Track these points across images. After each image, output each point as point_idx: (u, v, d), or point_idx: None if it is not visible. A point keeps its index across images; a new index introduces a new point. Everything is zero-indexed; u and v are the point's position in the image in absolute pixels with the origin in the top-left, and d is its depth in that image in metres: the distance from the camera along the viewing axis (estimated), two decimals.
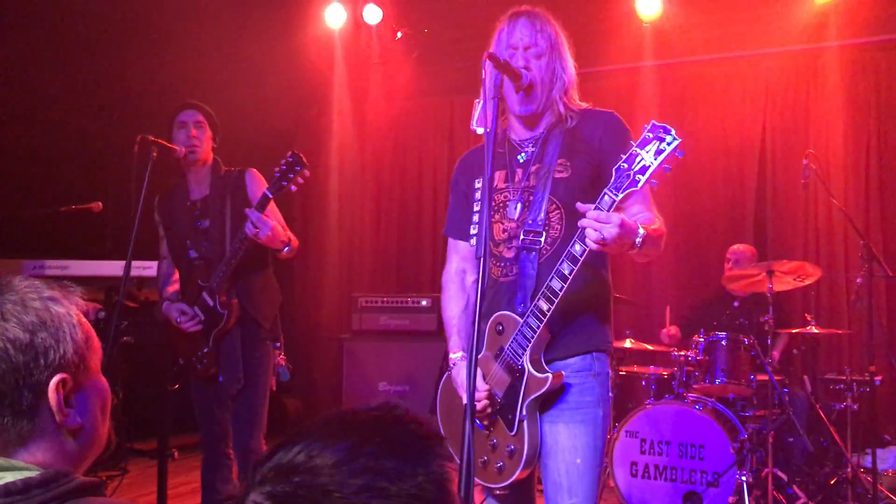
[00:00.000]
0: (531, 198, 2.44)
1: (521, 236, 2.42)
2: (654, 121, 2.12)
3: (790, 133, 6.48)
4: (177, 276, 3.90)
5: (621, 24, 6.44)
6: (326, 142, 7.87)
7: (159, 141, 3.54)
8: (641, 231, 2.16)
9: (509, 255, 2.47)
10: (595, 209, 2.12)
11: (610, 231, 2.08)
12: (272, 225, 3.46)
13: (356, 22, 7.17)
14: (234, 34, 6.66)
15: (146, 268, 4.65)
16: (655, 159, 2.08)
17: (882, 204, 6.20)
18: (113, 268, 4.89)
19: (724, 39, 6.48)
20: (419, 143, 7.78)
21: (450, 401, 2.58)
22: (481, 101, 2.47)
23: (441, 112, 7.65)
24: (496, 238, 2.50)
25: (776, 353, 5.22)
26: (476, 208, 2.58)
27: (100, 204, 4.67)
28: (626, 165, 2.12)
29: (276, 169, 3.45)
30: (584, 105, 2.53)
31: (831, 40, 6.26)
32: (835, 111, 6.35)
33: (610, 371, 2.51)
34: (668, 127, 2.08)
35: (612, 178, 2.14)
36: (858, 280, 5.00)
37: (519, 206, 2.45)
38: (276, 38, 6.84)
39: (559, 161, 2.43)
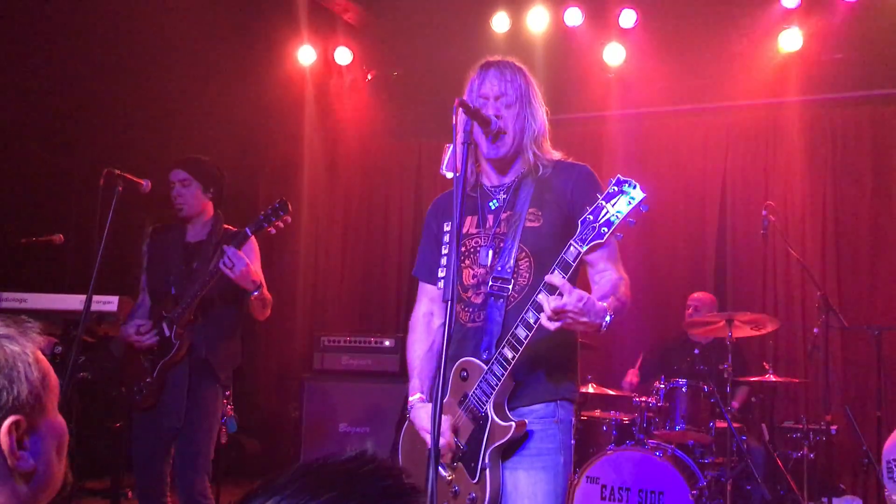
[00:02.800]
0: (501, 245, 2.46)
1: (490, 283, 2.44)
2: (619, 175, 2.16)
3: (750, 184, 6.62)
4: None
5: (587, 74, 6.57)
6: (295, 180, 7.87)
7: (125, 175, 3.53)
8: (607, 320, 2.20)
9: (477, 300, 2.48)
10: (566, 294, 2.13)
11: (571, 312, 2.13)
12: (246, 262, 3.50)
13: (327, 62, 7.22)
14: (204, 71, 6.68)
15: (106, 302, 4.58)
16: (620, 214, 2.12)
17: (838, 256, 6.33)
18: (72, 302, 4.79)
19: (687, 91, 6.63)
20: (387, 185, 7.80)
21: (411, 445, 2.56)
22: (451, 146, 2.50)
23: (409, 154, 7.69)
24: (465, 283, 2.52)
25: (736, 404, 5.27)
26: (444, 251, 2.60)
27: (61, 236, 4.61)
28: (591, 217, 2.16)
29: (262, 212, 3.56)
30: (558, 156, 2.57)
31: (791, 96, 6.43)
32: (793, 164, 6.50)
33: (573, 419, 2.52)
34: (634, 182, 2.13)
35: (578, 230, 2.18)
36: (815, 330, 5.10)
37: (490, 252, 2.47)
38: (247, 76, 6.87)
39: (530, 210, 2.46)
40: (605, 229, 2.14)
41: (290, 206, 3.56)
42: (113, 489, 4.15)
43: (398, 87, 7.12)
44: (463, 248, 2.54)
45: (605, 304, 2.22)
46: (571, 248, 2.19)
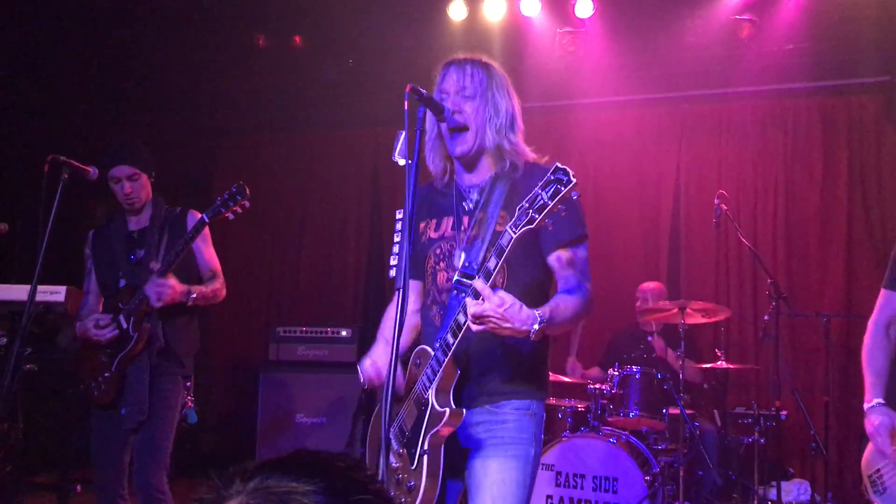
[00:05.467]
0: (472, 245, 2.47)
1: (456, 277, 2.44)
2: (557, 163, 2.20)
3: (703, 173, 6.70)
4: (100, 308, 3.82)
5: (544, 63, 6.57)
6: (250, 168, 7.77)
7: (71, 162, 3.44)
8: (535, 327, 2.21)
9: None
10: (491, 296, 2.17)
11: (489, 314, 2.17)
12: (170, 286, 3.47)
13: (286, 49, 7.10)
14: (156, 55, 6.54)
15: (53, 293, 4.48)
16: (551, 200, 2.15)
17: (788, 244, 6.44)
18: (17, 292, 4.68)
19: (642, 81, 6.68)
20: (343, 173, 7.74)
21: (374, 433, 2.60)
22: (403, 133, 2.49)
23: (366, 142, 7.64)
24: (440, 286, 2.53)
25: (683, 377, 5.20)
26: (396, 238, 2.61)
27: (6, 226, 4.49)
28: (527, 205, 2.19)
29: (219, 197, 3.50)
30: (532, 156, 2.56)
31: (743, 86, 6.52)
32: (745, 154, 6.60)
33: (544, 415, 2.55)
34: (568, 170, 2.16)
35: (515, 216, 2.21)
36: (766, 317, 5.18)
37: (463, 255, 2.48)
38: (202, 62, 6.75)
39: (501, 213, 2.46)
40: (537, 215, 2.16)
41: (247, 190, 3.51)
42: (61, 483, 4.05)
43: (354, 75, 7.05)
44: (438, 251, 2.56)
45: (536, 311, 2.23)
46: (506, 233, 2.21)
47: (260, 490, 1.00)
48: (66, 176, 3.43)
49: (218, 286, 3.72)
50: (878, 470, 2.91)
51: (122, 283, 3.67)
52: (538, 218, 2.15)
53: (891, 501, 2.84)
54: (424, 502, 2.31)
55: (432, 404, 2.34)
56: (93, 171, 3.58)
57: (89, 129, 6.63)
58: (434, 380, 2.34)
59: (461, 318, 2.25)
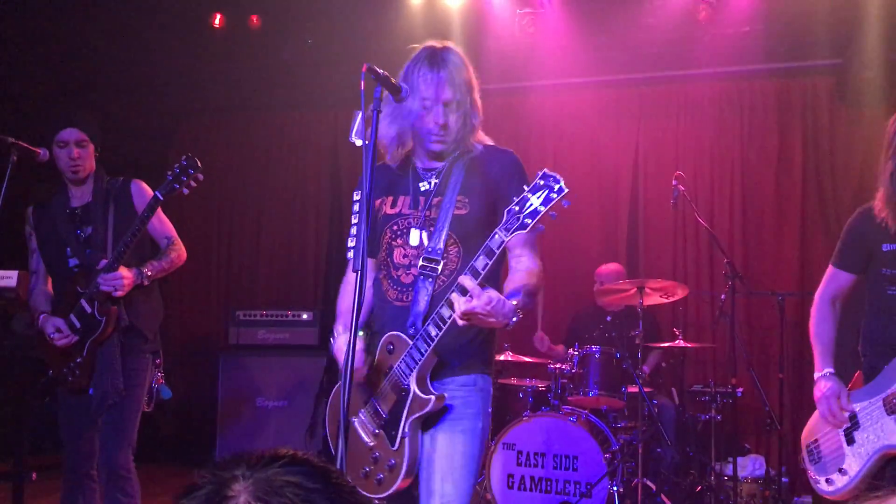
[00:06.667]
0: (432, 228, 2.54)
1: (421, 262, 2.52)
2: (545, 169, 2.25)
3: (661, 155, 6.76)
4: (49, 287, 3.73)
5: (503, 45, 6.56)
6: (208, 149, 7.66)
7: (19, 143, 3.37)
8: (514, 319, 2.33)
9: (407, 280, 2.56)
10: (478, 292, 2.23)
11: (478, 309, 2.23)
12: (121, 276, 3.41)
13: (241, 29, 7.00)
14: (110, 34, 6.40)
15: (4, 277, 4.38)
16: (544, 206, 2.22)
17: (745, 226, 6.54)
18: None
19: (601, 63, 6.70)
20: (302, 155, 7.68)
21: (334, 414, 2.66)
22: (360, 113, 2.50)
23: (325, 124, 7.58)
24: (396, 262, 2.60)
25: (647, 368, 5.42)
26: (354, 220, 2.65)
27: None
28: (517, 208, 2.26)
29: (169, 172, 3.40)
30: (488, 140, 2.65)
31: (700, 68, 6.58)
32: (703, 135, 6.67)
33: (491, 389, 2.64)
34: (558, 177, 2.23)
35: (504, 219, 2.27)
36: (722, 296, 5.26)
37: (420, 234, 2.55)
38: (158, 41, 6.62)
39: (458, 197, 2.54)
40: (529, 220, 2.23)
41: (198, 162, 3.39)
42: (16, 471, 3.99)
43: (312, 56, 6.98)
44: (396, 227, 2.61)
45: (514, 301, 2.35)
46: (496, 235, 2.28)
47: (265, 480, 0.99)
48: (15, 158, 3.36)
49: (174, 255, 3.66)
50: (816, 440, 3.04)
51: (73, 261, 3.59)
52: (531, 223, 2.22)
53: (823, 470, 2.98)
54: (405, 478, 2.45)
55: (414, 391, 2.43)
56: (43, 152, 3.50)
57: (41, 111, 6.47)
58: (415, 368, 2.43)
59: (445, 312, 2.34)
